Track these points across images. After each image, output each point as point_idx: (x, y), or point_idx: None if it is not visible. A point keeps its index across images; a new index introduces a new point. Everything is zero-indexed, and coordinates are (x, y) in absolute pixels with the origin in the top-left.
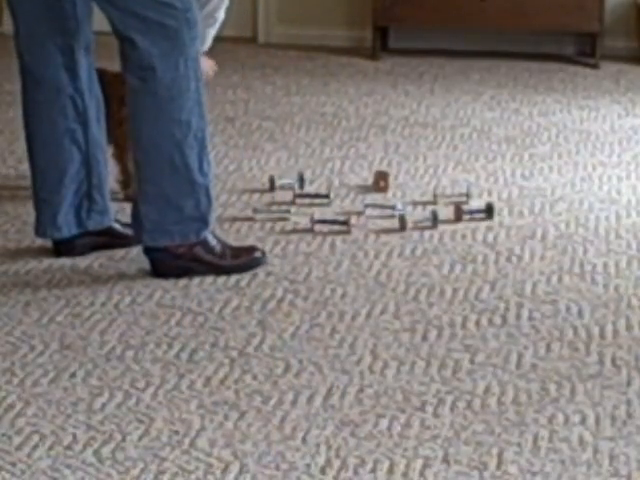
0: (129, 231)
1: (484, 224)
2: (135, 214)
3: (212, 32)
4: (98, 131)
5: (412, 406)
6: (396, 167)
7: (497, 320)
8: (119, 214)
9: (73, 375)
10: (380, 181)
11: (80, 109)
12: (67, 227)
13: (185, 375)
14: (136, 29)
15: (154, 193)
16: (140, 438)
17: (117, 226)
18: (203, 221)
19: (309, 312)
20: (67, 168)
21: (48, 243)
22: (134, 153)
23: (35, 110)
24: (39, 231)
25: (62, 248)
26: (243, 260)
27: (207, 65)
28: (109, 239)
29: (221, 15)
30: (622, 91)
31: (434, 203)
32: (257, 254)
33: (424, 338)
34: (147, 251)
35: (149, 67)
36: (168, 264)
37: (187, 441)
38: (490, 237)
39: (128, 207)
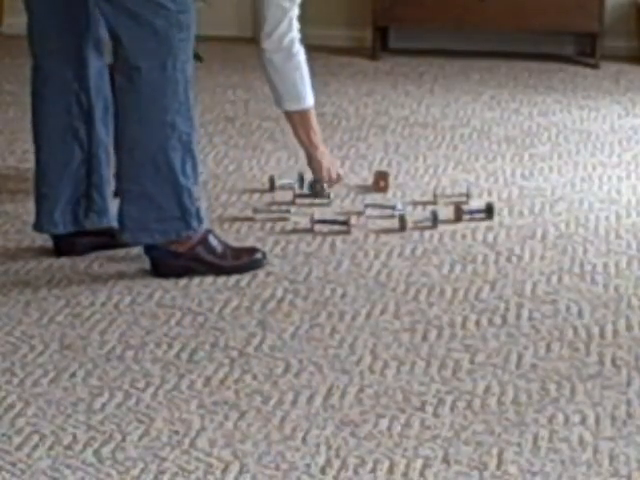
0: None
1: (484, 224)
2: (117, 213)
3: (302, 73)
4: (104, 131)
5: (412, 406)
6: (396, 167)
7: (497, 320)
8: None
9: (73, 375)
10: (380, 181)
11: (85, 107)
12: (63, 224)
13: (185, 375)
14: (126, 26)
15: (136, 192)
16: (140, 438)
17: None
18: (184, 221)
19: (309, 312)
20: (67, 164)
21: (48, 243)
22: (117, 151)
23: (41, 105)
24: (36, 225)
25: (62, 247)
26: (244, 261)
27: (334, 164)
28: (109, 239)
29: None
30: (622, 91)
31: (434, 203)
32: (258, 255)
33: (424, 338)
34: (147, 250)
35: (135, 66)
36: (168, 263)
37: (187, 441)
38: (490, 237)
39: None
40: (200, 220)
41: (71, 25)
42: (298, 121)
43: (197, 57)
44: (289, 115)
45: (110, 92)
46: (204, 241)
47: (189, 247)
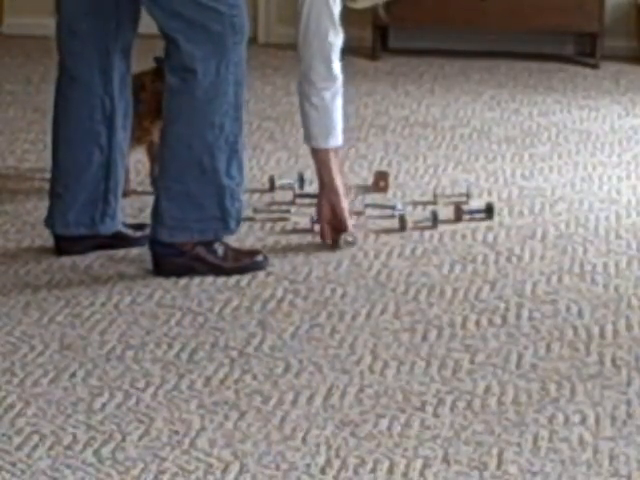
0: (132, 233)
1: (484, 224)
2: (155, 209)
3: (340, 110)
4: (122, 136)
5: (412, 406)
6: (396, 167)
7: (497, 320)
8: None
9: (73, 375)
10: (380, 181)
11: (108, 112)
12: (76, 226)
13: (185, 375)
14: (180, 31)
15: (178, 190)
16: (140, 438)
17: (123, 229)
18: (224, 222)
19: (309, 312)
20: (86, 168)
21: (48, 243)
22: (161, 149)
23: (65, 106)
24: (47, 223)
25: (63, 246)
26: (245, 263)
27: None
28: (112, 241)
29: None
30: (622, 91)
31: (434, 203)
32: (259, 258)
33: (424, 338)
34: (152, 245)
35: (190, 69)
36: (170, 261)
37: (187, 441)
38: (490, 237)
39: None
40: (238, 221)
41: (101, 28)
42: (333, 157)
43: None
44: (324, 152)
45: (131, 96)
46: (206, 241)
47: (191, 245)
